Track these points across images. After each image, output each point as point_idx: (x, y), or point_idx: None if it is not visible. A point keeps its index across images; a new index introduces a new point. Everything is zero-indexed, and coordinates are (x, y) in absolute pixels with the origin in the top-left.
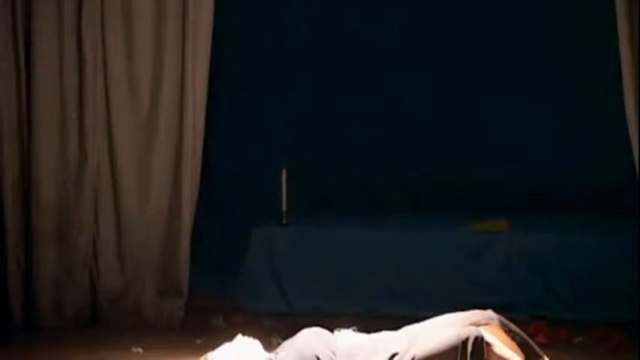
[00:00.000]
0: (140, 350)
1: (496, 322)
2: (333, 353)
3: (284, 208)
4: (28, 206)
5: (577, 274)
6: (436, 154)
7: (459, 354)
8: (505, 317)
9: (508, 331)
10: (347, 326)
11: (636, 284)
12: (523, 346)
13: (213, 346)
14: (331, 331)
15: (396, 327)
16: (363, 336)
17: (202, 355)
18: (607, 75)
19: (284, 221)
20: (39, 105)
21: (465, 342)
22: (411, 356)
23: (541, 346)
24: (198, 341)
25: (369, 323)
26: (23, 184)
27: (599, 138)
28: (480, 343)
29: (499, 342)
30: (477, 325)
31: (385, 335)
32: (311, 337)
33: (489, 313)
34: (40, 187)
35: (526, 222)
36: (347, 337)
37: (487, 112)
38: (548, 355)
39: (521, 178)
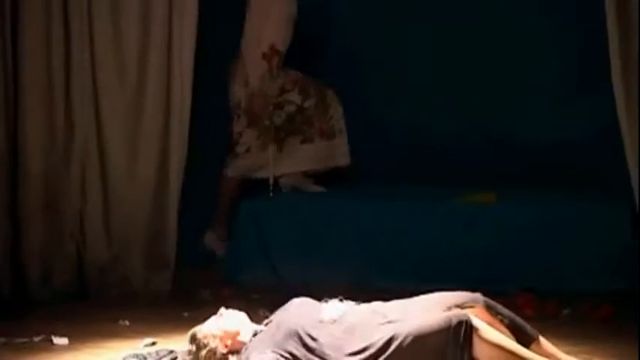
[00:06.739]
0: (127, 323)
1: (481, 304)
2: (320, 322)
3: (271, 180)
4: (15, 179)
5: (565, 245)
6: (425, 126)
7: (450, 338)
8: (494, 289)
9: (495, 314)
10: (334, 296)
11: (624, 256)
12: (512, 328)
13: (200, 319)
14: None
15: (384, 299)
16: (352, 305)
17: (189, 328)
18: (597, 51)
19: (271, 194)
20: (26, 79)
21: (454, 327)
22: (405, 333)
23: (529, 318)
24: (186, 314)
25: (358, 295)
26: (10, 157)
27: (588, 113)
28: (467, 328)
29: (486, 325)
30: (463, 307)
31: (376, 306)
32: (294, 310)
33: (476, 295)
34: (28, 160)
35: (515, 195)
36: (334, 308)
37: (477, 85)
38: (536, 327)
39: (510, 152)
